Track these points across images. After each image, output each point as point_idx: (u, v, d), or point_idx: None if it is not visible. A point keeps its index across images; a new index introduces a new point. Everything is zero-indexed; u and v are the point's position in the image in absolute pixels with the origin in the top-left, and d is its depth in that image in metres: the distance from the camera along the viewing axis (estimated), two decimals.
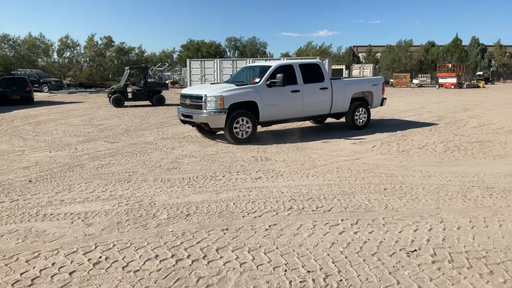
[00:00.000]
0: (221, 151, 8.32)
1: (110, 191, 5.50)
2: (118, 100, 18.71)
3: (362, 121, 11.32)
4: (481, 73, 51.14)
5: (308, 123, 12.52)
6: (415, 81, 48.40)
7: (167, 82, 36.12)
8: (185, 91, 10.11)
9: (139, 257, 3.51)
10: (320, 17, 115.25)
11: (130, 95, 19.47)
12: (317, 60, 11.47)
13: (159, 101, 19.92)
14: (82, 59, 52.17)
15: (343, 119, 11.60)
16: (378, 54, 62.92)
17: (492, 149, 8.25)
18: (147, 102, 20.06)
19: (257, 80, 9.58)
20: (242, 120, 9.06)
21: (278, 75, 9.29)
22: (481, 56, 57.54)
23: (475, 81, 44.99)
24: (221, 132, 9.67)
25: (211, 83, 11.41)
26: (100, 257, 3.52)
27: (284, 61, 10.62)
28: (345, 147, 8.61)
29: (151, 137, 10.16)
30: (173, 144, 9.13)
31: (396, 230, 4.07)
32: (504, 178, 5.97)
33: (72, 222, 4.36)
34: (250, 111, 9.19)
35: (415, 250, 3.60)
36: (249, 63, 32.99)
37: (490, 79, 49.74)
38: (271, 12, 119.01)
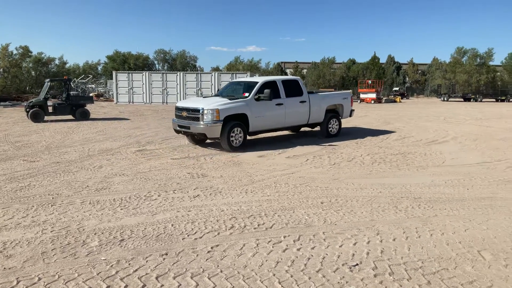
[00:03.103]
0: (154, 168, 7.97)
1: (32, 217, 4.97)
2: (37, 115, 17.31)
3: (335, 130, 12.73)
4: (397, 88, 55.21)
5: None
6: None
7: (91, 95, 34.31)
8: (180, 104, 10.97)
9: None
10: (248, 33, 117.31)
11: (50, 109, 18.14)
12: (297, 77, 12.92)
13: (83, 116, 18.76)
14: None
15: (315, 128, 13.15)
16: (305, 70, 65.44)
17: (414, 160, 8.84)
18: (70, 117, 18.83)
19: (246, 94, 10.65)
20: (237, 130, 10.10)
21: (265, 90, 10.38)
22: (396, 73, 62.17)
23: (393, 96, 48.47)
24: (209, 141, 10.84)
25: (204, 96, 12.55)
26: None
27: (269, 78, 11.77)
28: (281, 161, 8.71)
29: (75, 155, 9.48)
30: (100, 162, 8.58)
31: (337, 245, 4.13)
32: (429, 188, 6.39)
33: None
34: (241, 122, 10.20)
35: (357, 264, 3.66)
36: (180, 76, 32.57)
37: (405, 94, 53.80)
38: (200, 26, 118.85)
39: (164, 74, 33.38)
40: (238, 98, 10.51)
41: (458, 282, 3.34)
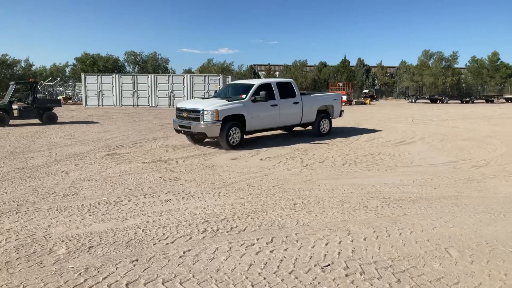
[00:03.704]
0: (124, 172, 7.81)
1: None
2: (2, 119, 16.67)
3: (326, 129, 13.47)
4: (367, 91, 56.36)
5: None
6: None
7: (59, 98, 33.33)
8: (181, 105, 11.54)
9: None
10: (220, 36, 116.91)
11: (16, 113, 17.52)
12: (290, 79, 13.34)
13: (51, 119, 18.20)
14: None
15: (307, 128, 13.87)
16: (277, 73, 65.87)
17: (384, 161, 9.03)
18: (36, 121, 18.24)
19: (243, 96, 11.20)
20: (235, 130, 10.68)
21: (261, 92, 11.02)
22: (366, 76, 63.51)
23: (363, 98, 49.47)
24: (207, 139, 11.34)
25: (202, 98, 13.06)
26: None
27: (264, 80, 12.38)
28: (254, 164, 8.71)
29: (42, 160, 9.17)
30: (68, 167, 8.34)
31: (309, 245, 4.16)
32: (398, 188, 6.54)
33: None
34: (239, 122, 10.75)
35: (329, 265, 3.70)
36: (151, 79, 32.13)
37: (375, 96, 55.01)
38: (171, 28, 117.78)
39: (135, 77, 32.85)
40: (235, 100, 11.05)
41: (426, 280, 3.43)
